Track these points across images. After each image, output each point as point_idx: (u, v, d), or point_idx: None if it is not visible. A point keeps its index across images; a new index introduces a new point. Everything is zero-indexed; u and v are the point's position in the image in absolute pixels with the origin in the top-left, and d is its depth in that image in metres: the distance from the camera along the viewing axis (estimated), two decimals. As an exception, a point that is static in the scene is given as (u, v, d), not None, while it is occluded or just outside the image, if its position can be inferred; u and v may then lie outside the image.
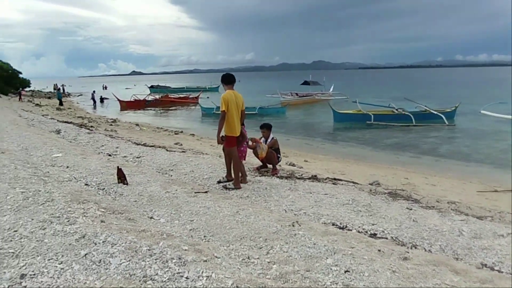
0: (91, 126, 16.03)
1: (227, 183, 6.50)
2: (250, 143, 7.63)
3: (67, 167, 6.82)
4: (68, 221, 3.73)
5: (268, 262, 3.30)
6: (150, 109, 31.73)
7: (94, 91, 38.83)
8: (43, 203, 4.22)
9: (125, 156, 8.81)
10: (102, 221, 3.77)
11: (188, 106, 33.96)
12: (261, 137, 7.91)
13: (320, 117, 25.14)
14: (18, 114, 17.94)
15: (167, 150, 9.83)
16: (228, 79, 6.41)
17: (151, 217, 4.49)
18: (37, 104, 29.47)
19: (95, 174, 6.38)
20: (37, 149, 8.49)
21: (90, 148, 9.81)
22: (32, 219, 3.75)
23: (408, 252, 3.72)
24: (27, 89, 45.61)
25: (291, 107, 29.02)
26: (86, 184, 5.72)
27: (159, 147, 10.52)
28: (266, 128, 7.89)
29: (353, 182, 7.34)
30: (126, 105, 31.84)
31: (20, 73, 41.63)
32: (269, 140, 7.83)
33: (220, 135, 6.28)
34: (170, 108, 32.43)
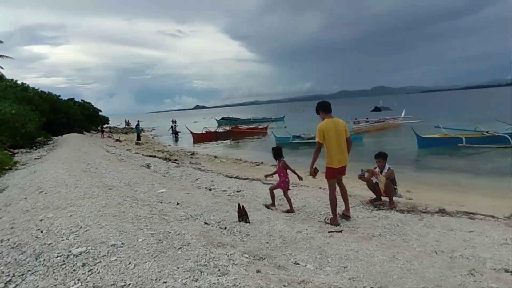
0: (175, 160, 16.14)
1: (326, 218, 5.94)
2: (366, 175, 6.97)
3: (177, 203, 6.54)
4: (219, 270, 3.26)
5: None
6: (222, 141, 31.96)
7: (175, 125, 39.43)
8: (180, 247, 3.83)
9: (224, 190, 8.47)
10: (257, 271, 3.25)
11: (258, 136, 33.85)
12: (376, 168, 7.20)
13: (400, 143, 23.74)
14: (106, 150, 18.62)
15: (263, 183, 9.39)
16: (327, 107, 5.90)
17: (296, 263, 3.93)
18: (117, 140, 30.84)
19: (210, 211, 6.00)
20: (139, 184, 8.40)
21: (186, 182, 9.63)
22: (178, 268, 3.34)
23: None
24: (105, 126, 48.40)
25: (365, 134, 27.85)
26: (206, 223, 5.33)
27: (253, 179, 10.10)
28: (381, 157, 7.17)
29: (491, 216, 6.33)
30: (199, 138, 32.36)
31: (100, 111, 44.39)
32: (385, 170, 7.10)
33: (314, 167, 5.85)
34: (241, 139, 32.48)
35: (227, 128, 35.69)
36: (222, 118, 55.64)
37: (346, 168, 6.00)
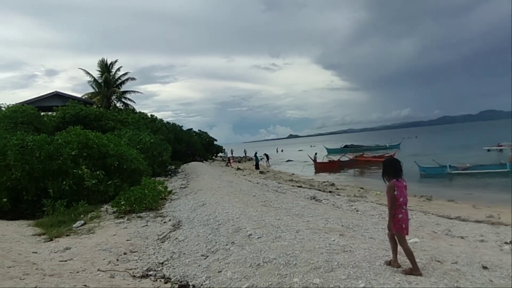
0: (330, 191, 14.19)
1: None
2: None
3: (484, 267, 4.36)
4: None
5: None
6: (346, 170, 29.31)
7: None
8: None
9: (463, 237, 6.16)
10: None
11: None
12: None
13: None
14: (245, 179, 17.44)
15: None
16: None
17: None
18: (238, 168, 30.08)
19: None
20: (359, 227, 6.55)
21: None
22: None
23: None
24: (220, 154, 48.95)
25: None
26: None
27: (474, 221, 7.63)
28: None
29: None
30: (321, 167, 30.27)
31: (215, 140, 44.84)
32: None
33: None
34: (366, 168, 29.46)
35: (351, 156, 33.06)
36: (346, 146, 52.77)
37: None
